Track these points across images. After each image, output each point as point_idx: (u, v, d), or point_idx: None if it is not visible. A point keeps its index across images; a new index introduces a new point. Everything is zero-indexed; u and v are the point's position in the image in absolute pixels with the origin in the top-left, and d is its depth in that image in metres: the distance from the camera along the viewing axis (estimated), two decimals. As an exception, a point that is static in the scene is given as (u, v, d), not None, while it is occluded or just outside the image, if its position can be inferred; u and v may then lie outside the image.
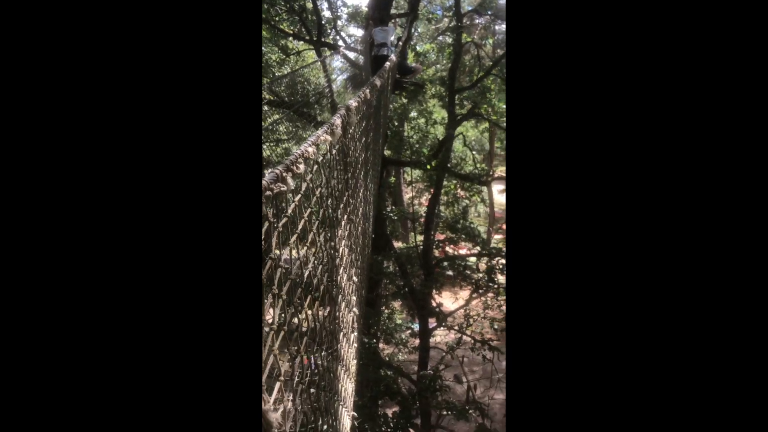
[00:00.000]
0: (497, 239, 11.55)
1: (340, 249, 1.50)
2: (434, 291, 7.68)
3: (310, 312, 1.07)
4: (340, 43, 9.74)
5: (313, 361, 1.24)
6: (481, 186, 9.10)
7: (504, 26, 11.39)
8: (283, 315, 0.84)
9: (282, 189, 0.76)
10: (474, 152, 11.04)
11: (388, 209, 7.84)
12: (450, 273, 7.73)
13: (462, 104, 8.99)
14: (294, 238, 0.87)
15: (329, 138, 1.13)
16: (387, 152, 7.85)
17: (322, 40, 7.79)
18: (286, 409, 0.81)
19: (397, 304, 9.01)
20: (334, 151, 1.29)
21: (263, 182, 0.78)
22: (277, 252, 0.82)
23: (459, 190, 8.75)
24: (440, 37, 9.65)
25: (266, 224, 0.78)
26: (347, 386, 1.72)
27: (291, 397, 0.91)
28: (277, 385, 0.77)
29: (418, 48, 8.90)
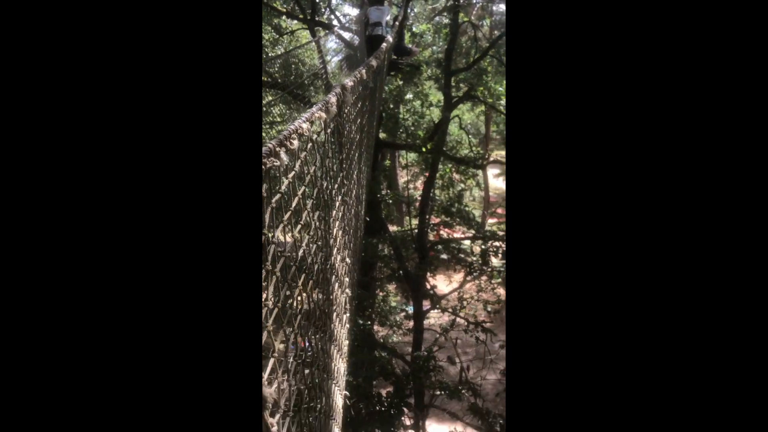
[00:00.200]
0: (492, 223, 11.58)
1: (334, 230, 1.49)
2: (429, 274, 7.72)
3: (304, 293, 1.07)
4: (335, 22, 9.58)
5: (307, 340, 1.24)
6: (476, 170, 9.08)
7: (502, 6, 11.22)
8: (277, 295, 0.83)
9: (275, 164, 0.74)
10: (470, 136, 10.97)
11: (383, 193, 7.81)
12: (444, 256, 7.77)
13: (458, 87, 8.91)
14: (288, 215, 0.86)
15: (324, 115, 1.11)
16: (382, 135, 7.78)
17: (316, 19, 7.64)
18: (280, 386, 0.81)
19: (391, 287, 9.05)
20: (329, 130, 1.27)
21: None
22: (271, 231, 0.81)
23: (454, 174, 8.72)
24: (436, 18, 9.50)
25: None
26: (340, 366, 1.73)
27: (285, 377, 0.91)
28: (271, 361, 0.77)
29: (414, 29, 8.76)
